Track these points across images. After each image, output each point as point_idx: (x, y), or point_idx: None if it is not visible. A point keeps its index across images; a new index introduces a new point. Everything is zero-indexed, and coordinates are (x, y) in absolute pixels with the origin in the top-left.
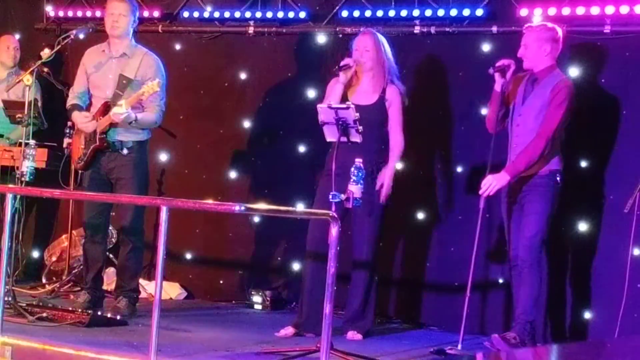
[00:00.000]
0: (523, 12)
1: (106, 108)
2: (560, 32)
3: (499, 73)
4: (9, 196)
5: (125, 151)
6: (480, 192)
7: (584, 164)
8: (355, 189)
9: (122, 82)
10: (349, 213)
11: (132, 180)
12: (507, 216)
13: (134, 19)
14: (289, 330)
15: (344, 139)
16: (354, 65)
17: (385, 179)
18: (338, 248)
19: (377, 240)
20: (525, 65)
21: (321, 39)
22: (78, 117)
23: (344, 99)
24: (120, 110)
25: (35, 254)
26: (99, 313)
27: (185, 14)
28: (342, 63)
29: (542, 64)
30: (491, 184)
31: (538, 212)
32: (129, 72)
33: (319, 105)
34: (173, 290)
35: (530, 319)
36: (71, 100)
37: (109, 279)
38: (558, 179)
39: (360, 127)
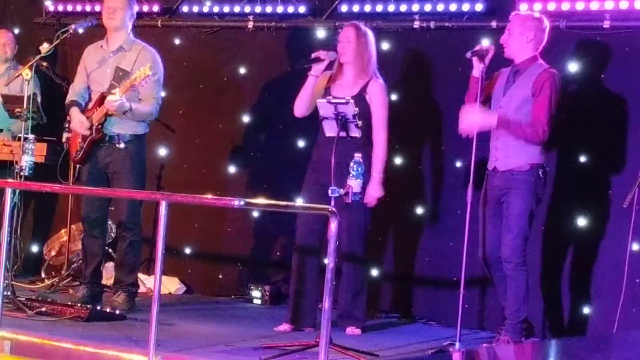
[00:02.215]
0: (522, 6)
1: (102, 100)
2: (547, 23)
3: (477, 58)
4: (8, 191)
5: (122, 145)
6: (459, 128)
7: (583, 158)
8: (354, 183)
9: (119, 74)
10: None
11: (129, 174)
12: (483, 208)
13: (131, 13)
14: (285, 327)
15: (343, 133)
16: (326, 57)
17: (373, 187)
18: (337, 242)
19: (365, 232)
20: (507, 53)
21: (320, 33)
22: (75, 117)
23: (326, 92)
24: (114, 98)
25: (35, 248)
26: (98, 308)
27: (185, 9)
28: (313, 55)
29: (524, 54)
30: (473, 118)
31: (520, 212)
32: (125, 65)
33: (318, 100)
34: (172, 285)
35: (521, 319)
36: (71, 96)
37: (108, 274)
38: (541, 173)
39: (360, 122)
